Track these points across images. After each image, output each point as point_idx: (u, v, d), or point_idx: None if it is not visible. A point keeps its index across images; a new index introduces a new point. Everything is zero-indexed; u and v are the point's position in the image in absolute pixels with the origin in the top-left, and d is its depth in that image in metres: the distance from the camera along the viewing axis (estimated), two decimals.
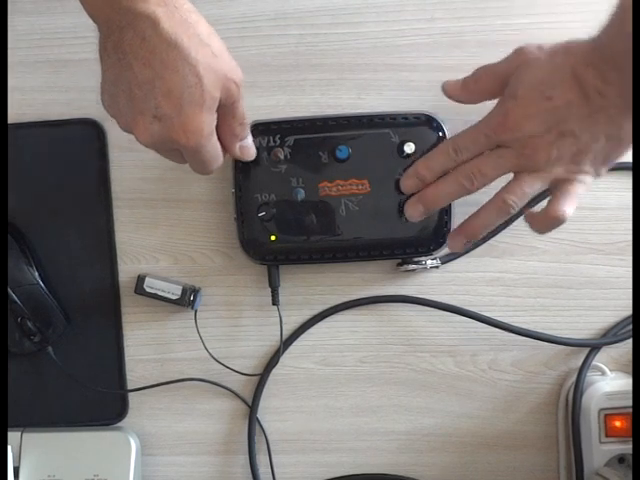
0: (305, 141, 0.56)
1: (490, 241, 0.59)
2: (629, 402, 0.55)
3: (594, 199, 0.59)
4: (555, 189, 0.50)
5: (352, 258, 0.57)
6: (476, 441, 0.60)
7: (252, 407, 0.60)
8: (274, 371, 0.60)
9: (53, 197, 0.60)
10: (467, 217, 0.53)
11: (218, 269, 0.60)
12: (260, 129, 0.56)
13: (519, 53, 0.50)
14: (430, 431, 0.60)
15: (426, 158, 0.54)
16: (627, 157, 0.49)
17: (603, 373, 0.58)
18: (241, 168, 0.56)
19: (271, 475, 0.60)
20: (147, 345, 0.60)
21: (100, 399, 0.60)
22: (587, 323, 0.60)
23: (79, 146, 0.60)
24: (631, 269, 0.59)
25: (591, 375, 0.58)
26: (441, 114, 0.56)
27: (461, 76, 0.55)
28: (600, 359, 0.59)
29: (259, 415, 0.60)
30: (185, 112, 0.43)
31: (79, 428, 0.59)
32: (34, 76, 0.60)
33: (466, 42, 0.59)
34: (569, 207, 0.49)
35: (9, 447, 0.57)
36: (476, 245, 0.59)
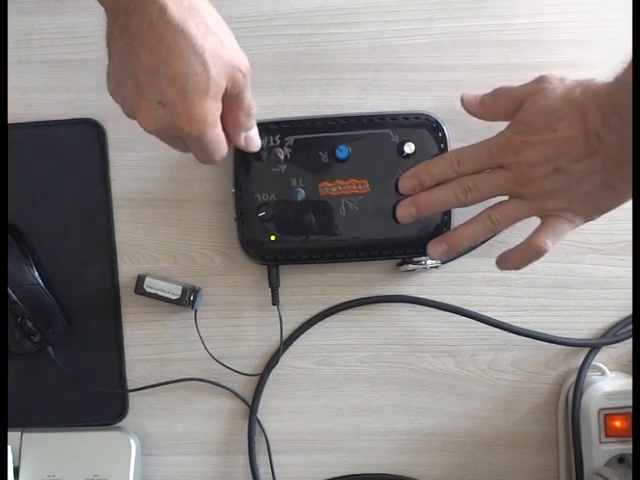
0: (305, 141, 0.56)
1: (490, 241, 0.58)
2: (629, 402, 0.55)
3: None
4: (542, 221, 0.51)
5: (352, 258, 0.57)
6: (476, 441, 0.60)
7: (252, 407, 0.60)
8: (274, 371, 0.60)
9: (53, 197, 0.60)
10: (452, 228, 0.55)
11: (218, 269, 0.60)
12: (260, 129, 0.55)
13: (540, 81, 0.51)
14: (430, 431, 0.60)
15: (428, 163, 0.54)
16: None
17: (603, 373, 0.58)
18: (241, 168, 0.56)
19: (271, 475, 0.60)
20: (147, 345, 0.60)
21: (100, 399, 0.60)
22: (587, 323, 0.60)
23: (79, 146, 0.60)
24: (631, 269, 0.59)
25: (591, 375, 0.58)
26: (441, 114, 0.57)
27: (461, 76, 0.55)
28: (600, 359, 0.59)
29: (259, 415, 0.60)
30: (190, 99, 0.43)
31: (79, 428, 0.59)
32: (34, 76, 0.60)
33: (466, 42, 0.59)
34: (551, 241, 0.50)
35: (9, 447, 0.57)
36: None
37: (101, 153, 0.60)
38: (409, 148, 0.55)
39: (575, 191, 0.49)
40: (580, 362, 0.59)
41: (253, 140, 0.52)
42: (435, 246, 0.55)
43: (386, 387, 0.60)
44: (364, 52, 0.59)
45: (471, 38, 0.59)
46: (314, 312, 0.60)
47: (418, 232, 0.56)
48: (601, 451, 0.56)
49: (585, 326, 0.60)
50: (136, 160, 0.60)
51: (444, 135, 0.56)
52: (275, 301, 0.58)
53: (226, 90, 0.45)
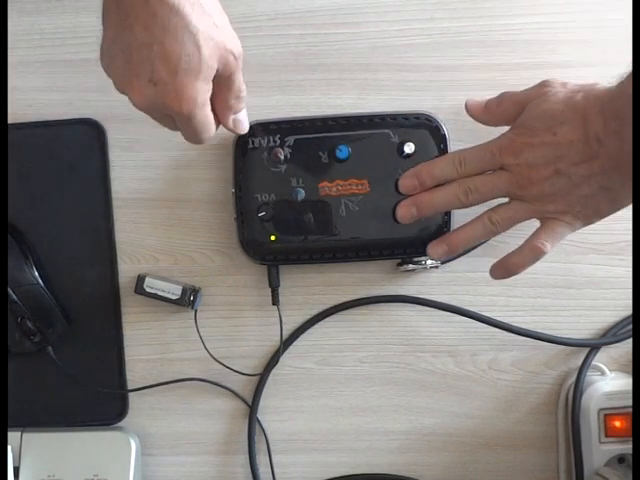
0: (305, 141, 0.56)
1: (490, 241, 0.58)
2: (629, 402, 0.55)
3: None
4: (542, 223, 0.52)
5: (352, 258, 0.57)
6: (476, 441, 0.60)
7: (252, 407, 0.60)
8: (274, 371, 0.60)
9: (53, 197, 0.60)
10: (452, 230, 0.55)
11: (218, 269, 0.60)
12: (260, 129, 0.56)
13: (542, 85, 0.52)
14: (430, 431, 0.60)
15: (429, 163, 0.54)
16: None
17: (603, 373, 0.58)
18: (241, 168, 0.56)
19: (271, 475, 0.60)
20: (147, 345, 0.60)
21: (100, 399, 0.60)
22: (587, 323, 0.60)
23: (79, 146, 0.60)
24: (631, 269, 0.59)
25: (591, 375, 0.58)
26: (441, 114, 0.57)
27: (461, 76, 0.55)
28: (600, 359, 0.59)
29: (259, 415, 0.60)
30: (180, 79, 0.43)
31: (79, 428, 0.59)
32: (34, 76, 0.60)
33: (466, 42, 0.59)
34: (550, 243, 0.51)
35: (9, 447, 0.57)
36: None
37: (101, 153, 0.60)
38: (409, 148, 0.55)
39: (575, 194, 0.49)
40: (580, 362, 0.59)
41: (241, 123, 0.52)
42: (435, 247, 0.55)
43: (386, 387, 0.60)
44: (364, 52, 0.59)
45: (471, 38, 0.59)
46: (314, 312, 0.60)
47: (418, 232, 0.56)
48: (601, 451, 0.56)
49: (585, 326, 0.60)
50: (136, 160, 0.60)
51: (444, 135, 0.56)
52: (275, 301, 0.58)
53: (217, 72, 0.45)
